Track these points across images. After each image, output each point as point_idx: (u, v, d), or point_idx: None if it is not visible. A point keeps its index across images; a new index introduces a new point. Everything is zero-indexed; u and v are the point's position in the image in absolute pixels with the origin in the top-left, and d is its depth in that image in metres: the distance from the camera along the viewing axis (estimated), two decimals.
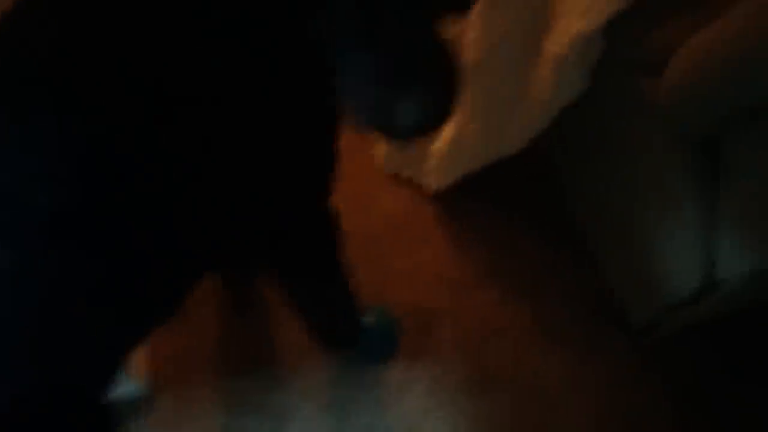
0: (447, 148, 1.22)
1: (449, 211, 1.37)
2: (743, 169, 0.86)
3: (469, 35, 1.08)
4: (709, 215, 0.91)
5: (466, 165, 1.22)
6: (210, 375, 1.19)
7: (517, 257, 1.31)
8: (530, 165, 1.25)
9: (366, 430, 1.14)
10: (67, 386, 0.63)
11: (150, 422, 1.14)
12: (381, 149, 1.38)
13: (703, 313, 1.01)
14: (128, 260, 0.62)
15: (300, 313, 1.06)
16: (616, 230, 1.10)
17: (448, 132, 1.20)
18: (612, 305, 1.21)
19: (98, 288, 0.62)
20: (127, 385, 1.13)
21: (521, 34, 1.03)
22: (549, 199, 1.32)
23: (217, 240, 0.72)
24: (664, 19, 0.93)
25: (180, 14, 0.59)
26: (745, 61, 0.78)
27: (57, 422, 0.62)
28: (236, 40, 0.60)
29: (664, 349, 1.18)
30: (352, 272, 1.00)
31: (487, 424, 1.15)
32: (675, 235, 0.96)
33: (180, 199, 0.63)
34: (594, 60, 0.97)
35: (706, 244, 0.93)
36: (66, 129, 0.57)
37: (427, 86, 0.61)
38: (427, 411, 1.16)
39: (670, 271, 0.99)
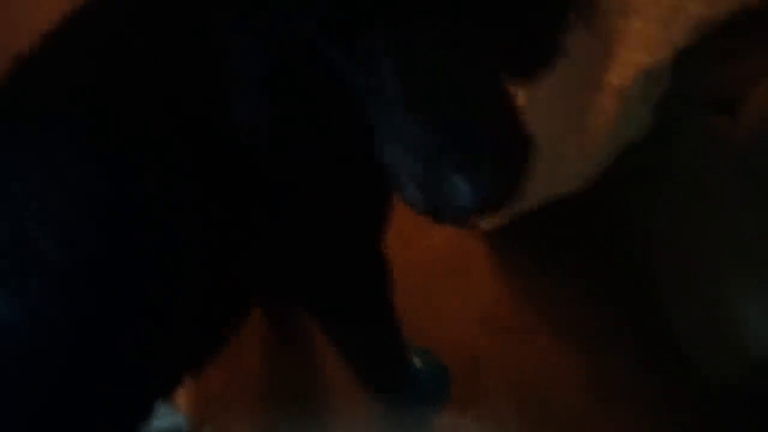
0: None
1: (500, 247, 1.30)
2: None
3: None
4: None
5: (519, 205, 1.15)
6: (252, 412, 1.15)
7: (573, 302, 1.23)
8: (591, 205, 1.16)
9: None
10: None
11: None
12: None
13: None
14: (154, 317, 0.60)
15: (345, 358, 1.02)
16: (691, 279, 1.01)
17: None
18: (686, 360, 1.09)
19: (123, 344, 0.60)
20: (169, 418, 1.11)
21: (577, 65, 0.97)
22: (611, 242, 1.22)
23: (258, 285, 0.71)
24: (737, 54, 0.86)
25: (216, 57, 0.55)
26: None
27: None
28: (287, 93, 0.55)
29: (746, 409, 1.07)
30: (397, 313, 0.95)
31: None
32: (759, 289, 0.87)
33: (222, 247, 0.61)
34: (660, 95, 0.90)
35: None
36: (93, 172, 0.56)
37: (491, 161, 0.49)
38: None
39: (754, 327, 0.90)
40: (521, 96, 1.00)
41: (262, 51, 0.52)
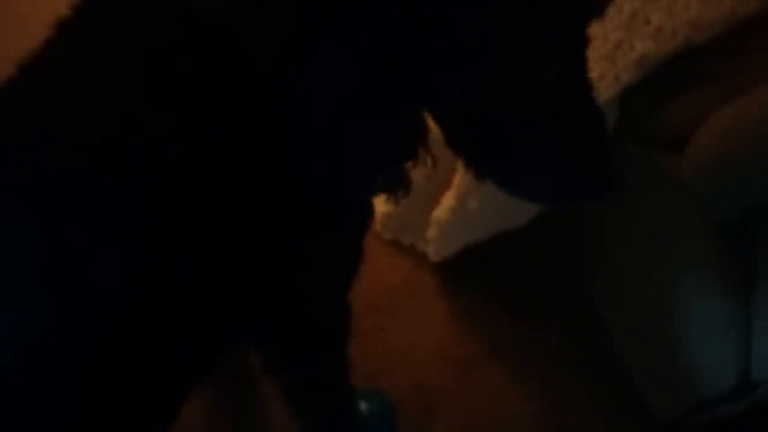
0: (448, 217, 1.13)
1: (452, 281, 1.27)
2: None
3: None
4: (744, 308, 0.81)
5: (469, 235, 1.13)
6: None
7: (526, 334, 1.20)
8: (542, 236, 1.15)
9: None
10: None
11: None
12: (379, 213, 1.30)
13: (741, 410, 0.91)
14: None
15: (294, 413, 0.97)
16: (639, 316, 0.99)
17: (449, 200, 1.12)
18: (635, 393, 1.08)
19: None
20: None
21: None
22: (563, 273, 1.21)
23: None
24: (683, 92, 0.86)
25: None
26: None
27: None
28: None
29: None
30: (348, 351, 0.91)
31: None
32: (706, 328, 0.86)
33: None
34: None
35: (741, 341, 0.83)
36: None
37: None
38: None
39: (701, 366, 0.88)
40: None
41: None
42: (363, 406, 1.09)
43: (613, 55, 0.88)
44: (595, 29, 0.88)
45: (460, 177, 1.07)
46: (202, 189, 0.55)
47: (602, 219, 1.01)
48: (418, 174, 1.16)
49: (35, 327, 0.54)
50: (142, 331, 0.57)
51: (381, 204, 1.31)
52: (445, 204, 1.15)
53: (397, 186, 0.60)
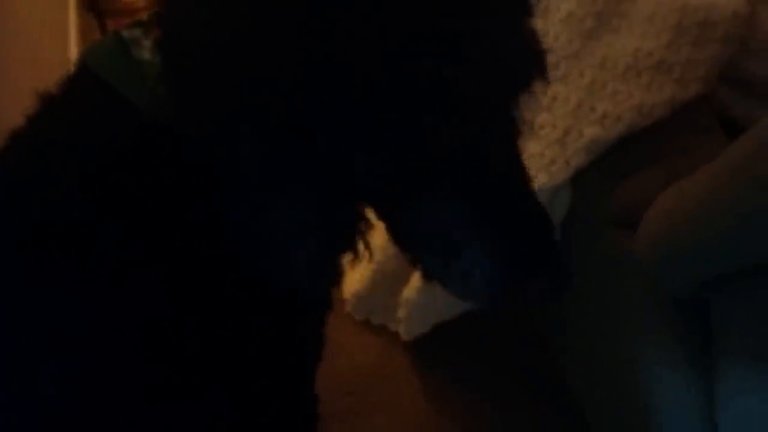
0: (417, 297, 1.14)
1: (425, 360, 1.26)
2: (735, 335, 0.78)
3: None
4: (707, 379, 0.82)
5: (439, 314, 1.14)
6: None
7: (499, 411, 1.19)
8: (510, 313, 1.17)
9: None
10: None
11: None
12: (349, 293, 1.30)
13: None
14: None
15: None
16: (603, 387, 1.00)
17: (416, 280, 1.13)
18: None
19: None
20: None
21: None
22: (535, 349, 1.21)
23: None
24: (633, 172, 0.89)
25: None
26: (715, 224, 0.72)
27: None
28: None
29: None
30: None
31: None
32: (669, 400, 0.86)
33: None
34: (563, 213, 0.92)
35: (705, 412, 0.83)
36: None
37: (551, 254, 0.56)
38: None
39: None
40: None
41: (310, 194, 0.53)
42: None
43: (563, 140, 0.92)
44: (544, 118, 0.93)
45: None
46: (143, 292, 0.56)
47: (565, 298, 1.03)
48: (386, 254, 1.18)
49: None
50: None
51: (351, 284, 1.32)
52: (413, 284, 1.16)
53: (332, 277, 0.60)
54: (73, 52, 1.88)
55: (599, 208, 0.91)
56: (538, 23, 1.02)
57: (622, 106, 0.93)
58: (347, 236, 0.57)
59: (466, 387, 1.23)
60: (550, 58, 0.98)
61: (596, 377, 1.00)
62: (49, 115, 0.59)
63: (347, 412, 1.19)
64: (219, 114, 0.50)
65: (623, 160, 0.93)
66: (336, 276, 0.61)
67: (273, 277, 0.56)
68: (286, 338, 0.66)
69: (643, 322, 0.88)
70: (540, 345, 1.18)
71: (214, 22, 0.51)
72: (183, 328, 0.58)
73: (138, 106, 0.55)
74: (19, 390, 0.55)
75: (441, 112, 0.49)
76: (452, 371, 1.25)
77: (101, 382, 0.56)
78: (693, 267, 0.77)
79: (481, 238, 0.54)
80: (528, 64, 0.55)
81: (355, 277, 1.28)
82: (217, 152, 0.51)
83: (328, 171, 0.51)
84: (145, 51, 0.56)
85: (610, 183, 0.91)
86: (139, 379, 0.57)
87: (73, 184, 0.55)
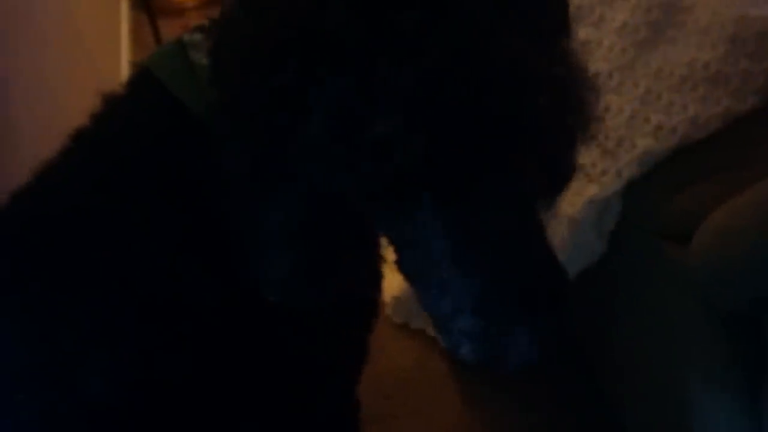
0: None
1: (463, 366, 1.25)
2: None
3: None
4: (755, 400, 0.81)
5: None
6: None
7: (537, 422, 1.18)
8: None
9: None
10: None
11: None
12: (388, 296, 1.31)
13: None
14: None
15: None
16: (646, 404, 0.99)
17: None
18: None
19: None
20: None
21: None
22: (571, 358, 1.20)
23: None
24: (686, 186, 0.88)
25: None
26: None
27: None
28: None
29: None
30: None
31: None
32: (715, 419, 0.85)
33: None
34: (611, 224, 0.91)
35: None
36: None
37: (546, 309, 0.47)
38: None
39: None
40: None
41: (290, 204, 0.51)
42: None
43: (615, 151, 0.91)
44: (596, 128, 0.92)
45: None
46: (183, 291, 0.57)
47: (610, 307, 1.02)
48: None
49: None
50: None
51: (391, 288, 1.32)
52: None
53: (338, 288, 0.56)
54: (125, 50, 1.92)
55: (651, 220, 0.90)
56: (592, 33, 1.03)
57: (677, 117, 0.91)
58: (337, 257, 0.54)
59: (502, 393, 1.23)
60: (604, 68, 0.98)
61: (639, 389, 0.99)
62: (111, 115, 0.61)
63: (385, 416, 1.20)
64: (236, 113, 0.51)
65: (676, 173, 0.91)
66: (345, 290, 0.58)
67: (256, 283, 0.55)
68: (333, 343, 0.67)
69: (692, 337, 0.87)
70: (578, 354, 1.18)
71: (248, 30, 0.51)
72: (230, 325, 0.59)
73: (190, 108, 0.57)
74: (62, 388, 0.57)
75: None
76: (488, 377, 1.24)
77: (147, 377, 0.58)
78: (745, 283, 0.76)
79: (465, 281, 0.47)
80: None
81: (396, 281, 1.29)
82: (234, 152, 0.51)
83: (311, 188, 0.49)
84: (202, 55, 0.57)
85: (662, 196, 0.90)
86: (188, 378, 0.59)
87: (128, 183, 0.58)
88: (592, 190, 0.90)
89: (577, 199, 0.91)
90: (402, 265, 0.53)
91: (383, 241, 0.57)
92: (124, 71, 1.77)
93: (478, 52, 0.44)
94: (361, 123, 0.44)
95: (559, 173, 0.55)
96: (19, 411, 0.57)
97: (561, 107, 0.49)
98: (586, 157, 0.90)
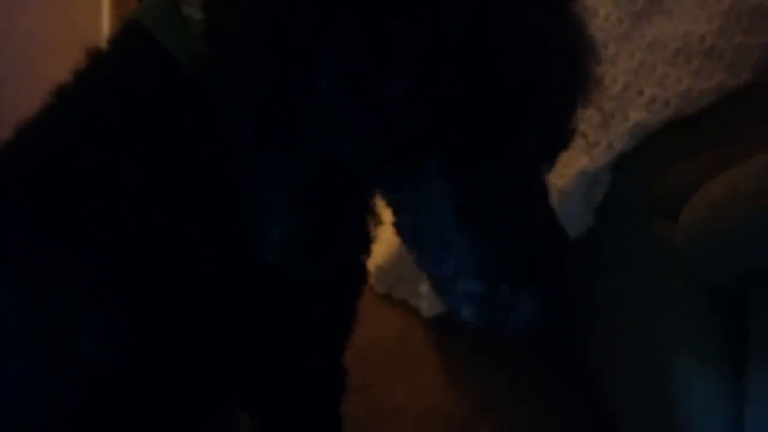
0: None
1: (445, 336, 1.27)
2: None
3: None
4: (738, 375, 0.81)
5: None
6: None
7: (519, 391, 1.19)
8: None
9: None
10: None
11: None
12: (372, 265, 1.30)
13: None
14: None
15: None
16: (631, 377, 0.99)
17: None
18: None
19: None
20: None
21: None
22: (555, 327, 1.21)
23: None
24: (677, 160, 0.87)
25: None
26: (764, 216, 0.70)
27: None
28: None
29: None
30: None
31: None
32: (699, 393, 0.85)
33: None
34: (600, 196, 0.91)
35: (734, 409, 0.82)
36: None
37: (550, 275, 0.48)
38: None
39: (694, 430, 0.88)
40: None
41: (292, 166, 0.50)
42: None
43: (607, 123, 0.90)
44: (596, 92, 0.91)
45: None
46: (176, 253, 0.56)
47: (595, 281, 1.02)
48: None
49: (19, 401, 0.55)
50: (128, 398, 0.57)
51: (375, 257, 1.32)
52: None
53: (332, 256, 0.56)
54: (106, 18, 1.87)
55: (641, 193, 0.89)
56: (588, 1, 1.01)
57: (670, 90, 0.90)
58: (337, 220, 0.54)
59: (484, 362, 1.23)
60: (599, 37, 0.96)
61: (623, 359, 1.00)
62: (95, 68, 0.58)
63: (367, 385, 1.19)
64: (237, 76, 0.49)
65: (668, 146, 0.90)
66: (341, 254, 0.58)
67: (253, 245, 0.54)
68: (322, 309, 0.66)
69: (678, 311, 0.87)
70: (561, 323, 1.18)
71: None
72: (223, 285, 0.58)
73: (181, 62, 0.55)
74: (57, 351, 0.56)
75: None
76: (470, 346, 1.25)
77: (142, 337, 0.56)
78: (736, 257, 0.76)
79: (470, 245, 0.48)
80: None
81: (380, 251, 1.28)
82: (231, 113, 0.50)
83: (314, 150, 0.49)
84: (194, 9, 0.55)
85: (653, 169, 0.89)
86: (179, 338, 0.57)
87: (114, 135, 0.56)
88: (582, 162, 0.89)
89: (567, 170, 0.90)
90: (401, 228, 0.52)
91: (379, 203, 0.56)
92: (105, 30, 1.72)
93: (496, 16, 0.43)
94: (372, 85, 0.43)
95: (560, 137, 0.55)
96: (12, 376, 0.56)
97: (572, 73, 0.48)
98: (579, 127, 0.89)
